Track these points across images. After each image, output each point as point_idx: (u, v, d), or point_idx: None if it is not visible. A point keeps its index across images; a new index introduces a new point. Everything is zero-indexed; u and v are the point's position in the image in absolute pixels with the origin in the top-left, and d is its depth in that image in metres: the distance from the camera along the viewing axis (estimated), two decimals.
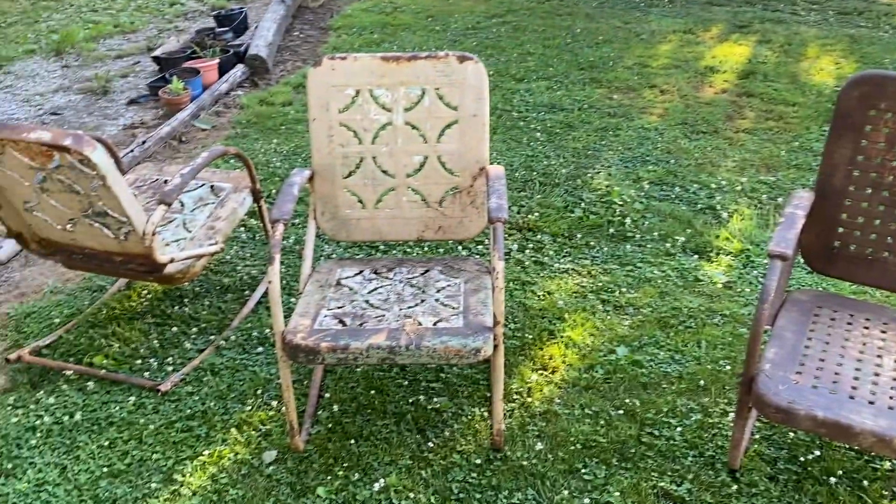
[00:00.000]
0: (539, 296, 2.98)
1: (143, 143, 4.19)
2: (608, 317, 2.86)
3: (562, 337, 2.76)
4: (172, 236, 2.74)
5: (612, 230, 3.39)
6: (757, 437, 2.33)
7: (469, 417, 2.44)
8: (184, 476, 2.27)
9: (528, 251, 3.27)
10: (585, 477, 2.22)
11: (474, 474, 2.24)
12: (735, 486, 2.17)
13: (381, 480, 2.22)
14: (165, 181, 3.05)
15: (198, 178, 3.03)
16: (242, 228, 3.50)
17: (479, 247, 3.32)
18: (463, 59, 2.46)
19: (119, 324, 2.90)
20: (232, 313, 2.95)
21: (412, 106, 2.50)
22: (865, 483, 2.16)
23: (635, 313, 2.88)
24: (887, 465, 2.22)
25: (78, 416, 2.49)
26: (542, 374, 2.60)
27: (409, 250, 3.32)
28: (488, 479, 2.22)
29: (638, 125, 4.35)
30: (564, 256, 3.23)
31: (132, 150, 4.10)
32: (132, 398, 2.55)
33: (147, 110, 4.86)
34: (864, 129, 2.20)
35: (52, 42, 6.04)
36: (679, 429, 2.36)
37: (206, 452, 2.34)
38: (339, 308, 2.31)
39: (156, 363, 2.72)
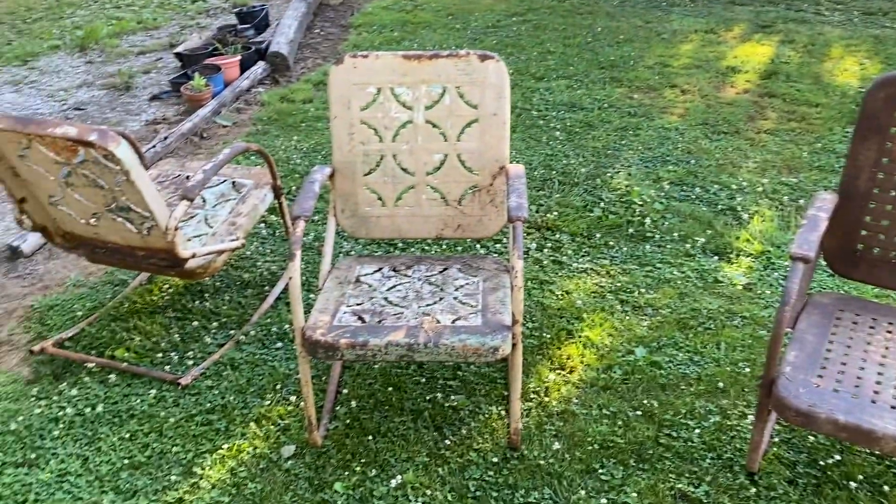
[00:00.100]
0: (557, 295, 2.98)
1: (165, 138, 4.23)
2: (627, 317, 2.85)
3: (580, 337, 2.75)
4: (194, 232, 2.77)
5: (631, 230, 3.38)
6: (776, 440, 2.31)
7: (486, 416, 2.44)
8: (203, 469, 2.29)
9: (546, 250, 3.27)
10: (603, 477, 2.21)
11: (491, 472, 2.24)
12: (753, 490, 2.15)
13: (398, 477, 2.23)
14: (187, 177, 3.08)
15: (219, 174, 3.05)
16: (262, 224, 3.52)
17: (498, 245, 3.32)
18: (484, 58, 2.47)
19: (140, 317, 2.93)
20: (251, 308, 2.97)
21: (433, 104, 2.51)
22: (886, 488, 2.14)
23: (654, 314, 2.87)
24: None
25: (100, 408, 2.52)
26: (559, 374, 2.60)
27: (427, 248, 3.33)
28: (505, 478, 2.22)
29: (658, 125, 4.33)
30: (583, 256, 3.23)
31: (154, 146, 4.13)
32: (153, 391, 2.58)
33: (169, 106, 4.90)
34: (889, 131, 2.17)
35: (77, 38, 6.11)
36: (697, 430, 2.35)
37: (226, 446, 2.36)
38: (358, 305, 2.32)
39: (176, 357, 2.74)
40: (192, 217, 2.85)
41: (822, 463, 2.23)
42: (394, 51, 2.52)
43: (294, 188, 3.76)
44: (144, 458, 2.34)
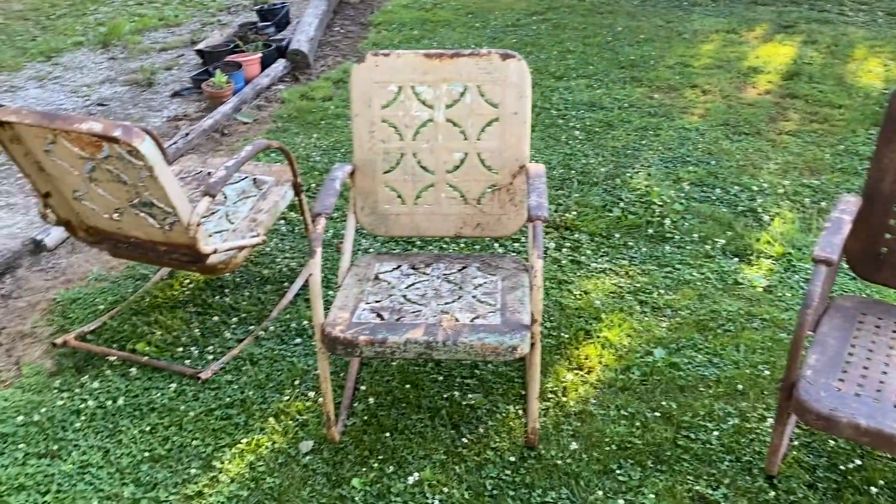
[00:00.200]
0: (576, 295, 2.97)
1: (187, 135, 4.26)
2: (646, 318, 2.84)
3: (598, 337, 2.75)
4: (215, 227, 2.79)
5: (650, 230, 3.37)
6: (795, 443, 2.30)
7: (503, 415, 2.45)
8: (222, 463, 2.31)
9: (565, 250, 3.26)
10: (620, 478, 2.21)
11: (508, 471, 2.25)
12: (772, 493, 2.14)
13: (416, 474, 2.24)
14: (209, 173, 3.10)
15: (240, 170, 3.07)
16: (282, 221, 3.54)
17: (516, 244, 3.31)
18: (505, 57, 2.47)
19: (161, 312, 2.96)
20: (271, 304, 2.99)
21: (453, 103, 2.51)
22: None
23: (673, 315, 2.86)
24: None
25: (121, 401, 2.55)
26: (577, 374, 2.59)
27: (444, 246, 3.33)
28: (522, 477, 2.22)
29: (679, 125, 4.30)
30: (602, 256, 3.22)
31: (175, 142, 4.17)
32: (173, 385, 2.61)
33: (190, 103, 4.94)
34: None
35: (100, 34, 6.17)
36: (716, 433, 2.34)
37: (245, 440, 2.38)
38: (377, 302, 2.33)
39: (196, 351, 2.77)
40: (213, 213, 2.87)
41: (842, 467, 2.21)
42: (413, 49, 2.53)
43: (313, 185, 3.78)
44: (164, 452, 2.36)
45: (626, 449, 2.30)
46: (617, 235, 3.34)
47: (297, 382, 2.60)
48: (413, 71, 2.50)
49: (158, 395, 2.57)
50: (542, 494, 2.17)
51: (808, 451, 2.27)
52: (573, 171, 3.85)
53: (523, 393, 2.52)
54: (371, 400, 2.52)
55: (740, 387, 2.50)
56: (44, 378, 2.67)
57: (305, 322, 2.88)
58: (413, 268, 2.53)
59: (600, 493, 2.17)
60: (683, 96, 4.67)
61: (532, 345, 2.15)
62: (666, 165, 3.89)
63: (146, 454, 2.35)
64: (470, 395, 2.52)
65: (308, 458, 2.32)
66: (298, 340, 2.80)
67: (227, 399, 2.54)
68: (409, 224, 2.62)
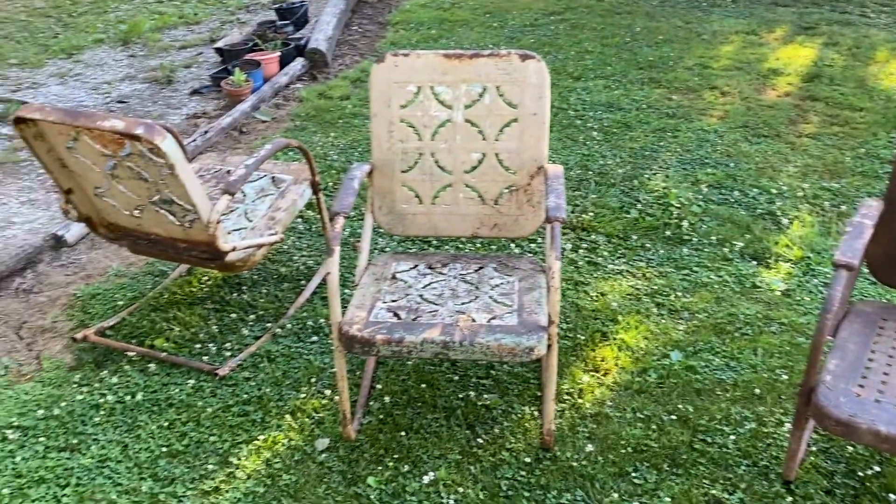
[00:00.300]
0: (592, 296, 2.97)
1: (206, 132, 4.29)
2: (662, 320, 2.83)
3: (615, 339, 2.74)
4: (234, 225, 2.81)
5: (668, 232, 3.35)
6: (813, 449, 2.28)
7: (519, 416, 2.45)
8: (239, 459, 2.33)
9: (581, 251, 3.26)
10: (636, 481, 2.21)
11: (523, 472, 2.25)
12: (790, 498, 2.13)
13: (431, 474, 2.25)
14: (228, 171, 3.12)
15: (259, 169, 3.09)
16: (299, 219, 3.56)
17: (532, 245, 3.31)
18: (525, 58, 2.46)
19: (180, 308, 2.98)
20: (288, 302, 3.01)
21: (472, 103, 2.51)
22: None
23: (690, 318, 2.84)
24: None
25: (139, 397, 2.57)
26: (593, 376, 2.59)
27: (461, 246, 3.34)
28: (537, 478, 2.22)
29: (697, 127, 4.28)
30: (619, 257, 3.21)
31: (194, 140, 4.20)
32: (191, 381, 2.63)
33: (209, 101, 4.97)
34: None
35: (120, 32, 6.22)
36: (732, 437, 2.33)
37: (261, 437, 2.40)
38: (394, 301, 2.34)
39: (214, 348, 2.79)
40: (232, 211, 2.89)
41: (860, 474, 2.19)
42: (431, 48, 2.54)
43: (331, 184, 3.80)
44: (182, 447, 2.38)
45: (642, 452, 2.30)
46: (634, 237, 3.33)
47: (313, 380, 2.62)
48: (432, 71, 2.50)
49: (176, 390, 2.60)
50: (557, 496, 2.17)
51: (825, 457, 2.25)
52: (590, 172, 3.84)
53: (539, 394, 2.52)
54: (387, 399, 2.53)
55: (757, 391, 2.49)
56: (64, 372, 2.70)
57: (322, 320, 2.89)
58: (430, 267, 2.54)
59: (616, 495, 2.17)
60: (702, 98, 4.65)
61: (549, 346, 2.15)
62: (684, 167, 3.87)
63: (164, 449, 2.38)
64: (485, 396, 2.53)
65: (324, 455, 2.33)
66: (315, 338, 2.81)
67: (245, 396, 2.56)
68: (426, 224, 2.63)
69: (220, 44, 5.60)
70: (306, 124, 4.52)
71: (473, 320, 2.22)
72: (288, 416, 2.47)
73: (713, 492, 2.16)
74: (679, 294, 2.97)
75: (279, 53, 5.25)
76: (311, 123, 4.53)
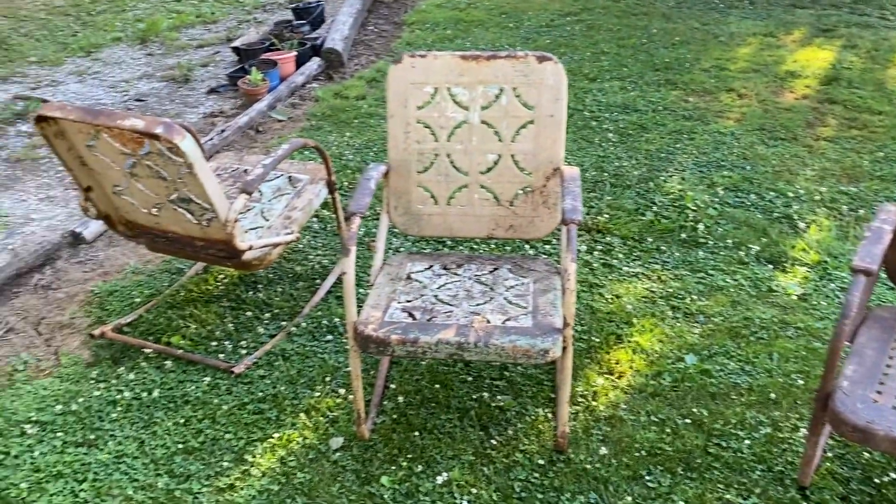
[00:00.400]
0: (607, 299, 2.96)
1: (222, 131, 4.32)
2: (678, 324, 2.83)
3: (629, 342, 2.74)
4: (251, 224, 2.82)
5: (683, 235, 3.34)
6: (829, 454, 2.27)
7: (532, 417, 2.45)
8: (254, 457, 2.35)
9: (596, 253, 3.25)
10: (649, 484, 2.20)
11: (537, 474, 2.25)
12: None
13: (444, 474, 2.25)
14: (245, 170, 3.14)
15: (276, 168, 3.11)
16: (315, 219, 3.57)
17: (547, 247, 3.31)
18: (542, 59, 2.47)
19: (196, 306, 3.01)
20: (303, 301, 3.02)
21: (489, 105, 2.52)
22: None
23: (706, 321, 2.83)
24: None
25: (156, 393, 2.60)
26: (608, 379, 2.59)
27: (475, 247, 3.34)
28: (550, 481, 2.23)
29: (714, 129, 4.26)
30: (634, 260, 3.20)
31: (211, 139, 4.23)
32: (207, 378, 2.65)
33: (226, 100, 5.00)
34: None
35: (138, 30, 6.27)
36: (747, 441, 2.32)
37: (276, 435, 2.41)
38: (408, 302, 2.35)
39: (230, 346, 2.81)
40: (249, 210, 2.91)
41: (876, 480, 2.18)
42: (447, 49, 2.55)
43: (346, 184, 3.81)
44: (198, 444, 2.40)
45: (656, 455, 2.29)
46: (649, 239, 3.32)
47: (327, 379, 2.63)
48: (449, 72, 2.51)
49: (192, 388, 2.62)
50: (570, 498, 2.17)
51: (841, 463, 2.24)
52: (606, 174, 3.84)
53: (553, 396, 2.52)
54: (401, 399, 2.54)
55: (773, 396, 2.48)
56: (81, 368, 2.73)
57: (336, 319, 2.90)
58: (445, 268, 2.54)
59: (629, 498, 2.16)
60: (719, 100, 4.62)
61: (564, 349, 2.15)
62: (700, 170, 3.86)
63: (180, 446, 2.40)
64: (499, 397, 2.53)
65: (338, 454, 2.34)
66: (329, 337, 2.83)
67: (260, 394, 2.58)
68: (441, 224, 2.63)
69: (236, 43, 5.64)
70: (322, 124, 4.54)
71: (488, 321, 2.22)
72: (302, 415, 2.49)
73: (727, 497, 2.16)
74: (694, 297, 2.96)
75: (295, 53, 5.27)
76: (326, 123, 4.55)
